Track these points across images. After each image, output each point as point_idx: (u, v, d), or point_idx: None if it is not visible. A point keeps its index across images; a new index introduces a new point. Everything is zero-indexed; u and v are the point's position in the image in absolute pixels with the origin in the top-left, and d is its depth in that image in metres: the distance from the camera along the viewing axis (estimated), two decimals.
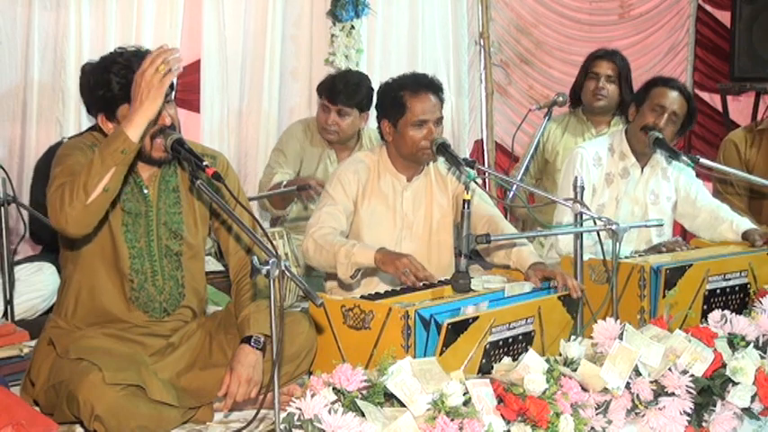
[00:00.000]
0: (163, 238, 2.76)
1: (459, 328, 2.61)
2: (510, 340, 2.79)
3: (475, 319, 2.65)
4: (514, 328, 2.79)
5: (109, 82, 2.59)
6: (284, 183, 4.16)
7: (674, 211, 3.81)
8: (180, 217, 2.79)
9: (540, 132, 4.45)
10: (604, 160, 3.72)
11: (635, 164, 3.72)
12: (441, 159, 3.30)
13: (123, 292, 2.73)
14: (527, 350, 2.80)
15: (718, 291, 3.28)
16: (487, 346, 2.70)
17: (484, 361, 2.71)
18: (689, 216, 3.79)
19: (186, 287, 2.82)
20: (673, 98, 3.62)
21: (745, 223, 3.64)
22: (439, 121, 3.23)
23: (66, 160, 2.62)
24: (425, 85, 3.23)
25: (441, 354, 2.56)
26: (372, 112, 4.32)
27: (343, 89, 4.23)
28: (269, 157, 4.52)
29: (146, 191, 2.74)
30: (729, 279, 3.31)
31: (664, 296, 3.14)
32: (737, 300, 3.33)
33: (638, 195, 3.73)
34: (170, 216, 2.77)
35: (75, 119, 4.66)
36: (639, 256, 3.43)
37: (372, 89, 4.27)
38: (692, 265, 3.23)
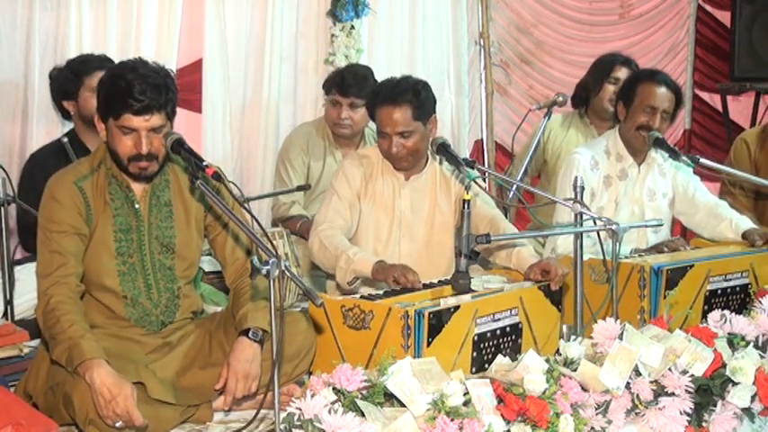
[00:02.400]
0: (155, 252, 2.76)
1: (441, 319, 2.65)
2: (498, 332, 2.82)
3: (456, 308, 2.69)
4: (500, 319, 2.83)
5: (106, 91, 2.63)
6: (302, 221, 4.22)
7: (671, 207, 3.80)
8: (172, 231, 2.78)
9: (540, 132, 4.44)
10: (601, 163, 3.71)
11: (632, 164, 3.72)
12: (446, 162, 3.30)
13: (118, 308, 2.73)
14: (517, 343, 2.85)
15: (719, 291, 3.28)
16: (475, 338, 2.74)
17: (475, 354, 2.73)
18: (687, 213, 3.78)
19: (182, 298, 2.82)
20: (662, 96, 3.61)
21: (745, 222, 3.63)
22: (402, 134, 3.20)
23: (51, 215, 2.65)
24: (387, 97, 3.23)
25: (428, 345, 2.59)
26: None
27: (353, 81, 4.28)
28: (275, 172, 4.51)
29: (137, 206, 2.74)
30: (730, 279, 3.31)
31: (665, 296, 3.14)
32: (738, 300, 3.33)
33: (636, 194, 3.73)
34: (162, 230, 2.77)
35: None
36: (639, 255, 3.43)
37: (377, 81, 4.30)
38: (693, 265, 3.23)
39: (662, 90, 3.61)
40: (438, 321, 2.65)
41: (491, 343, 2.80)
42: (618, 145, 3.73)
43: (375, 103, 3.28)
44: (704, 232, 3.73)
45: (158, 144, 2.64)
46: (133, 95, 2.57)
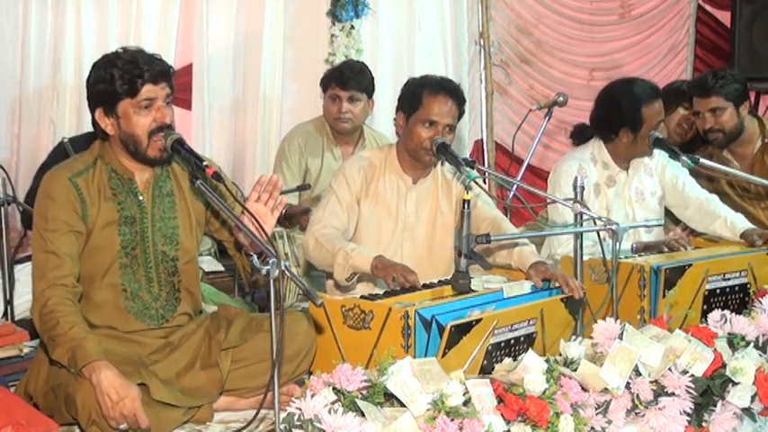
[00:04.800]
0: (158, 244, 2.75)
1: (462, 331, 2.61)
2: (512, 341, 2.78)
3: (478, 321, 2.65)
4: (516, 329, 2.79)
5: (111, 76, 2.61)
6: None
7: (661, 204, 3.81)
8: (175, 221, 2.78)
9: (540, 132, 4.45)
10: (589, 171, 3.71)
11: (619, 171, 3.73)
12: (447, 164, 3.29)
13: (118, 302, 2.72)
14: (528, 351, 2.80)
15: (717, 291, 3.28)
16: (489, 347, 2.70)
17: (485, 362, 2.70)
18: (679, 206, 3.80)
19: (182, 291, 2.81)
20: (661, 108, 3.63)
21: (740, 220, 3.64)
22: (450, 128, 3.21)
23: (46, 213, 2.63)
24: (446, 88, 3.22)
25: (443, 356, 2.55)
26: (377, 101, 4.50)
27: (352, 75, 4.33)
28: (273, 172, 4.51)
29: (140, 197, 2.74)
30: (729, 279, 3.31)
31: (664, 296, 3.14)
32: (737, 300, 3.33)
33: (625, 197, 3.74)
34: (165, 221, 2.77)
35: (71, 119, 4.67)
36: (639, 255, 3.43)
37: (373, 76, 4.39)
38: (691, 264, 3.23)
39: (662, 105, 3.64)
40: (459, 333, 2.60)
41: (503, 351, 2.76)
42: (603, 154, 3.73)
43: (428, 90, 3.21)
44: (697, 227, 3.75)
45: (171, 118, 2.67)
46: (141, 67, 2.60)
